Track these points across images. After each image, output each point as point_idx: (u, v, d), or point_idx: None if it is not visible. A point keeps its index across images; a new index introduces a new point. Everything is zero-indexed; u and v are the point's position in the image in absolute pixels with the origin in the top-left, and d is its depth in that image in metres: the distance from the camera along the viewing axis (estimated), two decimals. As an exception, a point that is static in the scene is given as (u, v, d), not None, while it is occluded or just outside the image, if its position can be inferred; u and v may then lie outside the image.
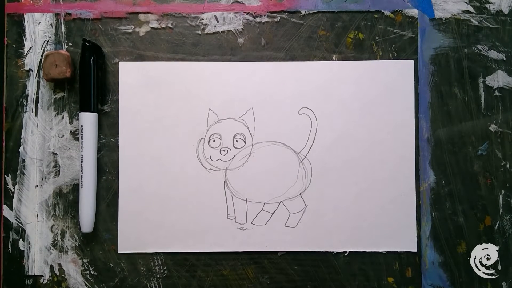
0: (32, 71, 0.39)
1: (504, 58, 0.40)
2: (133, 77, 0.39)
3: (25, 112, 0.39)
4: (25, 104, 0.39)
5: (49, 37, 0.39)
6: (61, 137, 0.39)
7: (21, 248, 0.39)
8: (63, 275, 0.39)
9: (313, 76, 0.39)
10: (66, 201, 0.39)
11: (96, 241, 0.39)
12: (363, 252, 0.39)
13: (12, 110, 0.39)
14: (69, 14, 0.39)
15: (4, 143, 0.39)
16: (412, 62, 0.39)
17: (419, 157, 0.39)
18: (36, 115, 0.39)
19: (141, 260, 0.39)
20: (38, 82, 0.39)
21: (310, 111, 0.39)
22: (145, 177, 0.39)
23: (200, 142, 0.39)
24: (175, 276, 0.39)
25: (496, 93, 0.40)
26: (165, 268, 0.39)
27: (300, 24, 0.40)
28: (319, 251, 0.39)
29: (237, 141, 0.39)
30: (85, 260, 0.39)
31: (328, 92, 0.39)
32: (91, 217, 0.38)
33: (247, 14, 0.40)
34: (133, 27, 0.39)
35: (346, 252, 0.39)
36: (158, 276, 0.39)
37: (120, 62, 0.39)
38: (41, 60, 0.39)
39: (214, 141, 0.39)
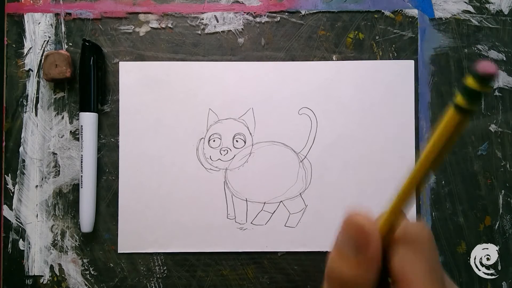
0: (32, 71, 0.39)
1: (504, 58, 0.40)
2: (133, 77, 0.39)
3: (25, 112, 0.39)
4: (25, 104, 0.39)
5: (49, 37, 0.39)
6: (61, 137, 0.39)
7: (21, 248, 0.39)
8: (63, 275, 0.39)
9: (313, 76, 0.39)
10: (66, 201, 0.39)
11: (96, 241, 0.39)
12: (363, 252, 0.39)
13: (12, 110, 0.39)
14: (69, 14, 0.39)
15: (4, 143, 0.39)
16: (412, 62, 0.39)
17: (419, 157, 0.39)
18: (36, 115, 0.39)
19: (141, 260, 0.39)
20: (38, 82, 0.39)
21: (310, 111, 0.39)
22: (145, 177, 0.39)
23: (200, 142, 0.39)
24: (175, 276, 0.39)
25: (496, 93, 0.40)
26: (165, 268, 0.39)
27: (300, 24, 0.40)
28: (319, 251, 0.39)
29: (237, 141, 0.39)
30: (85, 260, 0.39)
31: (328, 92, 0.39)
32: (91, 217, 0.38)
33: (247, 14, 0.40)
34: (133, 27, 0.39)
35: (346, 252, 0.39)
36: (158, 276, 0.39)
37: (120, 62, 0.39)
38: (41, 60, 0.39)
39: (214, 141, 0.39)
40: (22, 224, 0.39)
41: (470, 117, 0.14)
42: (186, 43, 0.39)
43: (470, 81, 0.14)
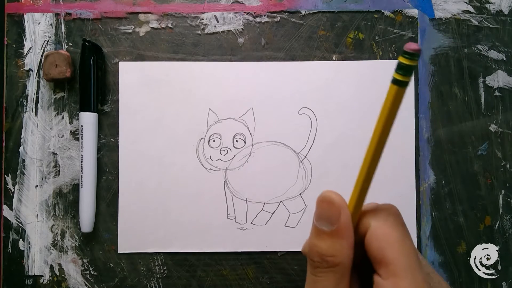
0: (32, 71, 0.39)
1: (504, 58, 0.40)
2: (133, 77, 0.39)
3: (25, 112, 0.39)
4: (25, 104, 0.39)
5: (49, 37, 0.39)
6: (61, 137, 0.39)
7: (21, 248, 0.39)
8: (63, 275, 0.39)
9: (313, 76, 0.39)
10: (66, 201, 0.39)
11: (96, 241, 0.39)
12: (363, 252, 0.39)
13: (12, 110, 0.39)
14: (69, 14, 0.39)
15: (4, 143, 0.39)
16: (412, 62, 0.39)
17: (419, 157, 0.39)
18: (36, 115, 0.39)
19: (141, 260, 0.39)
20: (38, 82, 0.39)
21: (310, 111, 0.39)
22: (145, 177, 0.39)
23: (200, 142, 0.39)
24: (175, 276, 0.39)
25: (496, 93, 0.40)
26: (165, 268, 0.39)
27: (300, 24, 0.40)
28: (319, 251, 0.39)
29: (237, 141, 0.39)
30: (85, 260, 0.39)
31: (328, 92, 0.39)
32: (91, 217, 0.38)
33: (247, 14, 0.40)
34: (133, 27, 0.39)
35: (346, 252, 0.39)
36: (158, 276, 0.39)
37: (120, 62, 0.39)
38: (41, 60, 0.39)
39: (214, 141, 0.39)
40: (22, 224, 0.39)
41: (406, 87, 0.19)
42: (186, 43, 0.39)
43: (403, 59, 0.18)
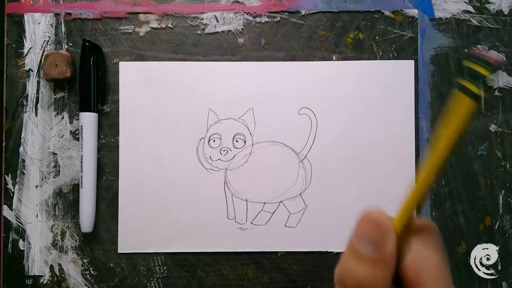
0: (32, 71, 0.39)
1: (504, 58, 0.40)
2: (133, 77, 0.39)
3: (25, 112, 0.39)
4: (25, 104, 0.39)
5: (49, 37, 0.39)
6: (61, 137, 0.39)
7: (21, 248, 0.39)
8: (63, 275, 0.39)
9: (313, 76, 0.39)
10: (66, 201, 0.39)
11: (96, 241, 0.39)
12: (363, 252, 0.39)
13: (12, 110, 0.39)
14: (69, 14, 0.39)
15: (4, 143, 0.39)
16: (412, 62, 0.39)
17: (419, 157, 0.39)
18: (36, 115, 0.39)
19: (141, 260, 0.39)
20: (38, 82, 0.39)
21: (310, 111, 0.39)
22: (145, 177, 0.39)
23: (200, 142, 0.39)
24: (175, 276, 0.39)
25: (496, 93, 0.40)
26: (165, 268, 0.39)
27: (300, 24, 0.40)
28: (319, 251, 0.39)
29: (237, 141, 0.39)
30: (85, 260, 0.39)
31: (328, 92, 0.39)
32: (91, 217, 0.38)
33: (247, 14, 0.40)
34: (133, 27, 0.39)
35: (346, 252, 0.39)
36: (158, 276, 0.39)
37: (120, 62, 0.39)
38: (41, 60, 0.39)
39: (214, 141, 0.39)
40: (22, 224, 0.39)
41: (478, 102, 0.16)
42: (186, 43, 0.39)
43: (483, 71, 0.16)
